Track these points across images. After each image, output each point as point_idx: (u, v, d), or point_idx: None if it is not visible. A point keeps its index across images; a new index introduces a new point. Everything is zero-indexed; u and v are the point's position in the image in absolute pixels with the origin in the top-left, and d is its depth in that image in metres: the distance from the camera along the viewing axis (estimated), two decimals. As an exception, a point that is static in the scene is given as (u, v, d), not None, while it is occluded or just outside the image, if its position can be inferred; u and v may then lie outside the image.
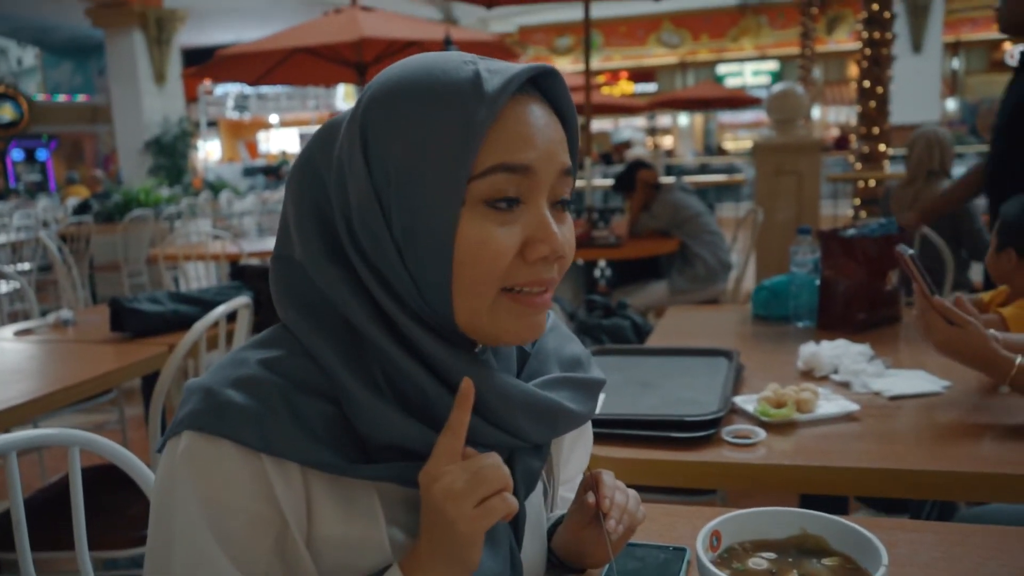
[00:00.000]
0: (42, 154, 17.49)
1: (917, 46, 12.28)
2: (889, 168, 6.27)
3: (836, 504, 1.72)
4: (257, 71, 6.27)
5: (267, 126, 22.43)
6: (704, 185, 8.10)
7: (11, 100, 16.08)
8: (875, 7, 5.85)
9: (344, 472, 0.62)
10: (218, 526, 0.60)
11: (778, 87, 5.03)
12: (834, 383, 1.49)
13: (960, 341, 1.26)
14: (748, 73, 18.33)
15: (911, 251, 1.31)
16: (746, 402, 1.35)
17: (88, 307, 4.84)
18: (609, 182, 5.84)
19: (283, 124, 22.25)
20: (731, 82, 18.19)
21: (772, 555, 0.71)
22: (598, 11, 8.73)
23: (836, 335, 1.71)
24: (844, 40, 15.96)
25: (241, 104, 20.33)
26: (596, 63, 16.87)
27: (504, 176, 0.62)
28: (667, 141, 19.23)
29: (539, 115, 0.64)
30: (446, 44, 5.16)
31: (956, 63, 16.22)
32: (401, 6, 11.13)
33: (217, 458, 0.60)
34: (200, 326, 1.92)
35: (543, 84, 0.67)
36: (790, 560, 0.70)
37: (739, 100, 15.61)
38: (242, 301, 2.11)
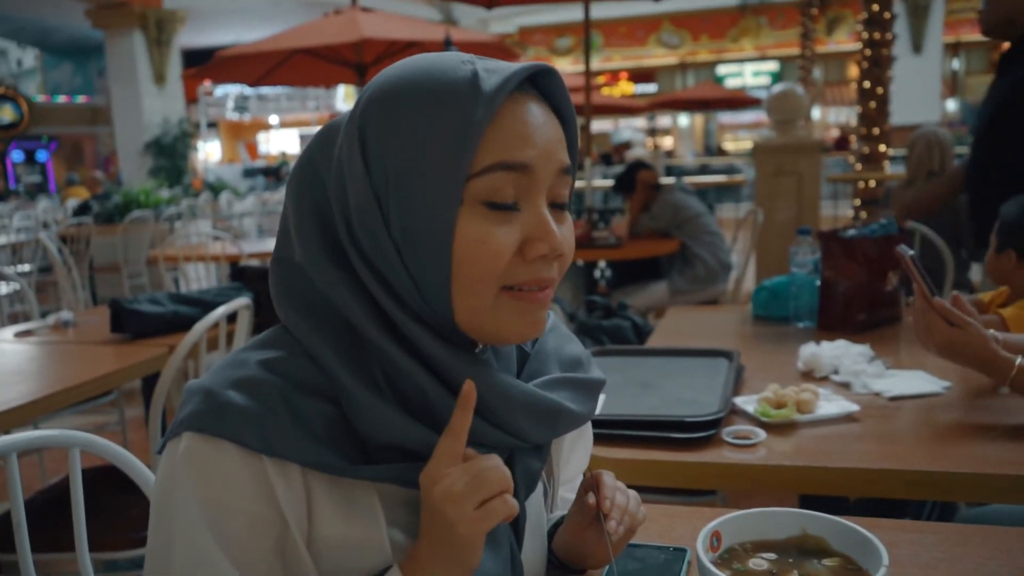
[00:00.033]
0: (42, 155, 17.50)
1: (917, 47, 12.29)
2: (889, 169, 6.27)
3: (836, 504, 1.72)
4: (257, 72, 6.28)
5: (267, 127, 22.44)
6: (704, 186, 8.11)
7: (11, 101, 16.10)
8: (875, 8, 5.85)
9: (345, 473, 0.62)
10: (218, 527, 0.60)
11: (778, 88, 5.03)
12: (834, 384, 1.49)
13: (960, 342, 1.26)
14: (748, 74, 18.34)
15: (911, 252, 1.31)
16: (746, 403, 1.35)
17: (88, 308, 4.84)
18: (609, 183, 5.85)
19: (283, 125, 22.26)
20: (731, 83, 18.20)
21: (772, 556, 0.71)
22: (598, 12, 8.74)
23: (836, 336, 1.71)
24: (844, 41, 15.97)
25: (241, 105, 20.34)
26: (596, 64, 16.87)
27: (502, 175, 0.62)
28: (667, 142, 19.24)
29: (537, 114, 0.64)
30: (446, 45, 5.16)
31: (956, 64, 16.22)
32: (401, 7, 11.14)
33: (217, 459, 0.60)
34: (200, 327, 1.92)
35: (541, 83, 0.67)
36: (790, 561, 0.70)
37: (739, 101, 15.62)
38: (242, 302, 2.11)
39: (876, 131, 5.99)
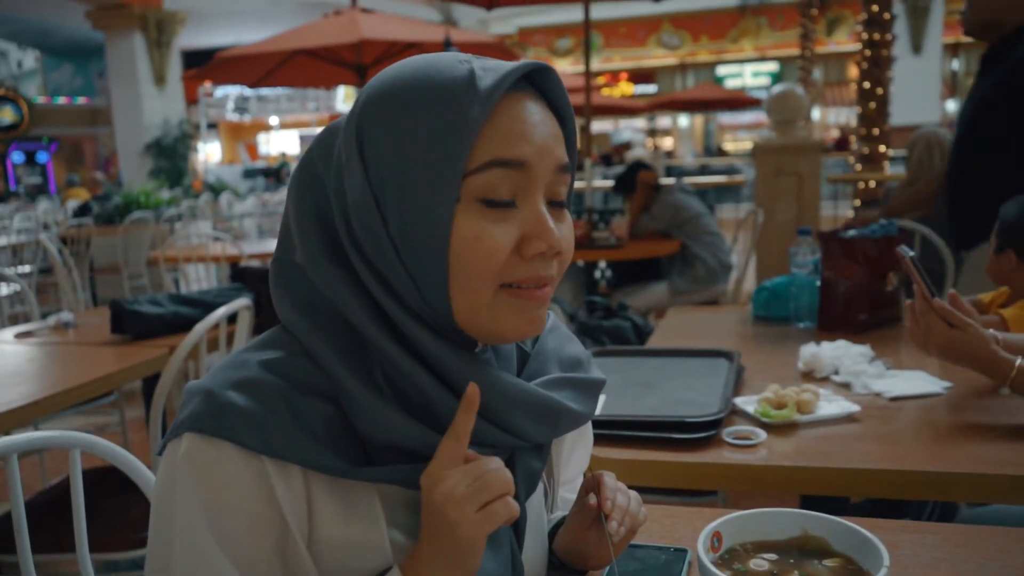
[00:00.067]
0: (42, 156, 17.50)
1: (917, 47, 12.29)
2: (889, 169, 6.27)
3: (837, 505, 1.72)
4: (257, 73, 6.28)
5: (267, 128, 22.44)
6: (704, 186, 8.11)
7: (11, 103, 16.10)
8: (875, 8, 5.86)
9: (345, 474, 0.62)
10: (219, 528, 0.60)
11: (778, 88, 5.03)
12: (835, 384, 1.49)
13: (960, 343, 1.26)
14: (748, 74, 18.34)
15: (912, 252, 1.31)
16: (747, 403, 1.35)
17: (88, 309, 4.83)
18: (609, 183, 5.85)
19: (283, 126, 22.27)
20: (731, 83, 18.20)
21: (773, 556, 0.71)
22: (598, 12, 8.74)
23: (837, 336, 1.71)
24: (844, 41, 15.97)
25: (241, 106, 20.34)
26: (596, 64, 16.88)
27: (499, 171, 0.62)
28: (667, 142, 19.24)
29: (534, 111, 0.65)
30: (446, 46, 5.16)
31: (956, 64, 16.22)
32: (401, 8, 11.15)
33: (218, 460, 0.60)
34: (201, 328, 1.93)
35: (539, 82, 0.67)
36: (791, 561, 0.70)
37: (739, 101, 15.62)
38: (243, 303, 2.11)
39: (876, 132, 6.00)
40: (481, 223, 0.62)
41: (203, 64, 6.58)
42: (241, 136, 22.37)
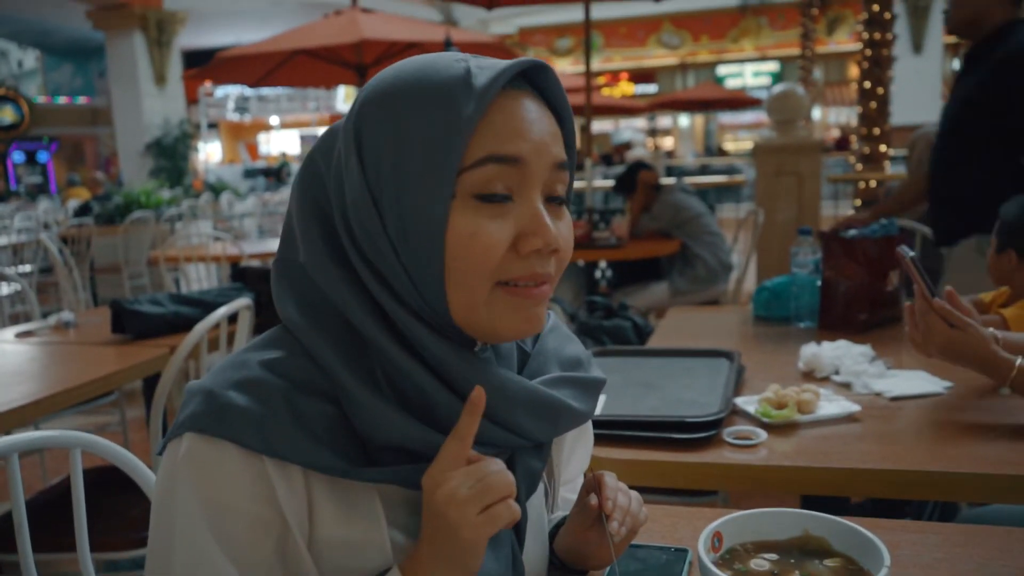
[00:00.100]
0: (43, 156, 17.51)
1: (918, 47, 12.29)
2: (890, 169, 6.27)
3: (837, 505, 1.72)
4: (257, 73, 6.28)
5: (267, 128, 22.45)
6: (704, 186, 8.11)
7: (12, 102, 16.12)
8: (875, 8, 5.85)
9: (346, 475, 0.62)
10: (219, 528, 0.60)
11: (778, 88, 5.02)
12: (835, 384, 1.49)
13: (960, 343, 1.26)
14: (748, 74, 18.34)
15: (912, 253, 1.31)
16: (747, 403, 1.35)
17: (89, 309, 4.84)
18: (610, 183, 5.85)
19: (283, 126, 22.28)
20: (731, 83, 18.20)
21: (774, 556, 0.71)
22: (598, 12, 8.74)
23: (837, 336, 1.71)
24: (844, 41, 15.97)
25: (241, 106, 20.35)
26: (596, 64, 16.87)
27: (494, 168, 0.62)
28: (667, 142, 19.25)
29: (530, 108, 0.65)
30: (446, 46, 5.16)
31: (956, 64, 16.22)
32: (401, 8, 11.15)
33: (218, 460, 0.60)
34: (201, 328, 1.93)
35: (536, 80, 0.67)
36: (792, 561, 0.70)
37: (739, 101, 15.62)
38: (243, 303, 2.11)
39: (876, 131, 6.00)
40: (477, 219, 0.62)
41: (203, 64, 6.58)
42: (241, 136, 22.38)
